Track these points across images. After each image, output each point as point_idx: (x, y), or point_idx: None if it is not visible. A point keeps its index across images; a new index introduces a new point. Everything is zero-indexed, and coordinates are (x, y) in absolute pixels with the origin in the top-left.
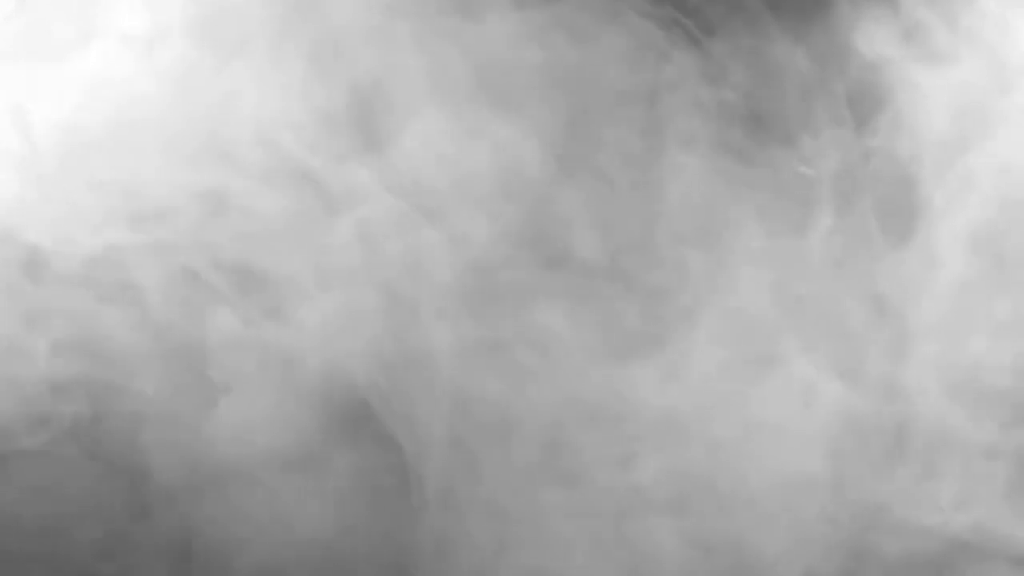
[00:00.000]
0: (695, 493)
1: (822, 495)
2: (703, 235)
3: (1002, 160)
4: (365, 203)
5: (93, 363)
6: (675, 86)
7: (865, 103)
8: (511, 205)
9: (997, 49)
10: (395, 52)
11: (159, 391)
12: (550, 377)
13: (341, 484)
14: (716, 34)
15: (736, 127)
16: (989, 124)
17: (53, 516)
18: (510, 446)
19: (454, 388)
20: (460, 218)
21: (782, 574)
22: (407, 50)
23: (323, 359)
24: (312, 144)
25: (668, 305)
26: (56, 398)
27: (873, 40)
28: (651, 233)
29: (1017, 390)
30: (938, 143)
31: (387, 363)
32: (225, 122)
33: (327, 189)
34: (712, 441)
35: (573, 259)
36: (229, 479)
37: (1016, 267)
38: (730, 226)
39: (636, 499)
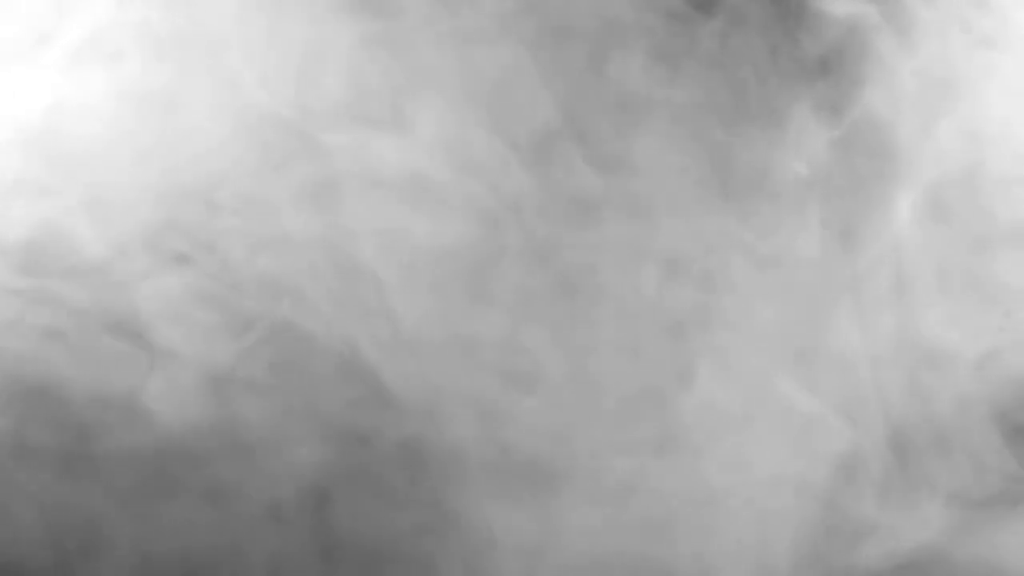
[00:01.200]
0: (681, 504)
1: (811, 508)
2: (692, 238)
3: (976, 131)
4: (357, 194)
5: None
6: (662, 74)
7: (839, 80)
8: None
9: (970, 17)
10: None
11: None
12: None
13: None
14: (711, 14)
15: (720, 118)
16: (961, 94)
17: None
18: (499, 458)
19: (442, 379)
20: (452, 210)
21: None
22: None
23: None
24: (299, 130)
25: (656, 316)
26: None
27: (843, 10)
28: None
29: (994, 388)
30: (912, 115)
31: (379, 345)
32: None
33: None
34: (699, 455)
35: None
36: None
37: (998, 251)
38: (718, 225)
39: (625, 515)
